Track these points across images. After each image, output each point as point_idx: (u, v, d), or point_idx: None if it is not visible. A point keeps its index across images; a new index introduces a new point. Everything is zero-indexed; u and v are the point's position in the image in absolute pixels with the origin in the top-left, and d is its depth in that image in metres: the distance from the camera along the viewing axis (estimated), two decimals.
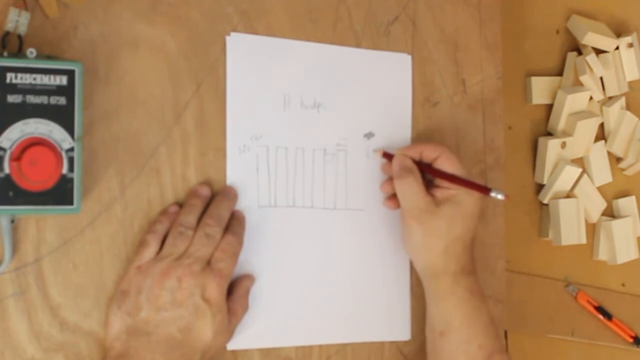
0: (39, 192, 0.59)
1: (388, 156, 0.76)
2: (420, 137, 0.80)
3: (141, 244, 0.66)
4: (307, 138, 0.74)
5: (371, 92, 0.78)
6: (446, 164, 0.74)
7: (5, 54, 0.59)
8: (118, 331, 0.64)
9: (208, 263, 0.66)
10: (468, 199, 0.74)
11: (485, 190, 0.74)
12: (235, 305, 0.68)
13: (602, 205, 0.94)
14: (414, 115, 0.80)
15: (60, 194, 0.60)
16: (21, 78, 0.58)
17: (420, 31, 0.81)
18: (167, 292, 0.64)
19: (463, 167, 0.75)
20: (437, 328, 0.74)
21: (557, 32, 0.94)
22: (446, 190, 0.74)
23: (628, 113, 0.96)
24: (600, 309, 0.94)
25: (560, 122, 0.91)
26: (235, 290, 0.69)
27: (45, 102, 0.59)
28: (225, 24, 0.71)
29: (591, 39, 0.92)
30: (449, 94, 0.82)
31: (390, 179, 0.76)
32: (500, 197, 0.74)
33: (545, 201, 0.91)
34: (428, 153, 0.75)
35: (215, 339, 0.65)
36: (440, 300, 0.74)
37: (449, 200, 0.74)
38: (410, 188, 0.73)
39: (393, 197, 0.77)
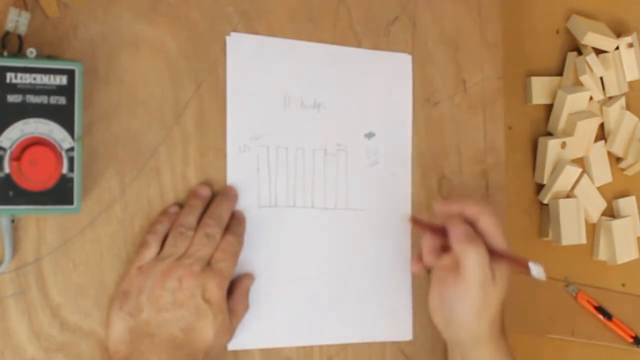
0: (39, 192, 0.59)
1: (419, 223, 0.75)
2: (420, 137, 0.80)
3: (142, 244, 0.66)
4: (307, 138, 0.74)
5: (371, 92, 0.78)
6: (487, 221, 0.72)
7: (5, 53, 0.59)
8: (120, 332, 0.64)
9: (208, 263, 0.66)
10: (508, 266, 0.73)
11: (523, 266, 0.71)
12: (236, 305, 0.68)
13: (602, 205, 0.95)
14: (414, 115, 0.80)
15: (60, 193, 0.60)
16: (21, 78, 0.58)
17: (420, 31, 0.81)
18: (168, 292, 0.64)
19: (502, 226, 0.73)
20: None
21: (557, 32, 0.95)
22: (498, 259, 0.72)
23: (628, 113, 0.96)
24: (600, 309, 0.95)
25: (560, 122, 0.91)
26: (236, 290, 0.69)
27: (45, 102, 0.59)
28: (225, 24, 0.71)
29: (591, 39, 0.92)
30: (449, 94, 0.82)
31: (432, 250, 0.74)
32: (539, 275, 0.71)
33: (545, 201, 0.91)
34: (470, 210, 0.73)
35: (216, 339, 0.65)
36: None
37: (502, 268, 0.72)
38: (481, 256, 0.70)
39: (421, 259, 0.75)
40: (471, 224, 0.72)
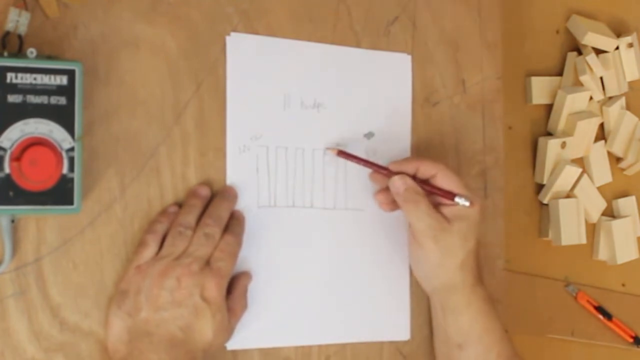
0: (39, 192, 0.59)
1: (345, 155, 0.74)
2: (420, 137, 0.80)
3: (140, 244, 0.66)
4: (307, 138, 0.74)
5: (371, 92, 0.78)
6: (445, 181, 0.74)
7: (5, 54, 0.59)
8: (119, 332, 0.64)
9: (207, 263, 0.66)
10: (473, 210, 0.74)
11: (450, 195, 0.74)
12: (234, 304, 0.68)
13: (602, 205, 0.95)
14: (414, 115, 0.80)
15: (60, 194, 0.60)
16: (21, 78, 0.58)
17: (420, 31, 0.81)
18: (167, 291, 0.64)
19: (463, 183, 0.74)
20: (454, 341, 0.75)
21: (557, 32, 0.95)
22: (452, 206, 0.74)
23: (628, 113, 0.96)
24: (600, 309, 0.95)
25: (560, 122, 0.91)
26: (234, 289, 0.69)
27: (46, 102, 0.59)
28: (225, 24, 0.71)
29: (591, 39, 0.92)
30: (449, 94, 0.82)
31: (385, 190, 0.75)
32: (464, 203, 0.73)
33: (545, 201, 0.91)
34: (425, 170, 0.74)
35: (215, 338, 0.65)
36: (457, 313, 0.75)
37: (458, 216, 0.73)
38: (421, 210, 0.72)
39: (390, 201, 0.76)
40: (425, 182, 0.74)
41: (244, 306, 0.70)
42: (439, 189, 0.74)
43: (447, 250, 0.73)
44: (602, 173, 0.95)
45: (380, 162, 0.76)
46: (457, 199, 0.73)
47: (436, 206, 0.74)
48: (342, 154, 0.74)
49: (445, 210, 0.74)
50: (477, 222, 0.75)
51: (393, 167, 0.75)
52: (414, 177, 0.74)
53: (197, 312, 0.64)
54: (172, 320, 0.63)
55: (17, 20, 0.60)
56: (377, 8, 0.78)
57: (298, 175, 0.74)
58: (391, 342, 0.78)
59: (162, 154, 0.68)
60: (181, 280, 0.64)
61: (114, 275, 0.65)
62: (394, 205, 0.76)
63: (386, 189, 0.75)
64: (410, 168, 0.75)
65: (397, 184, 0.73)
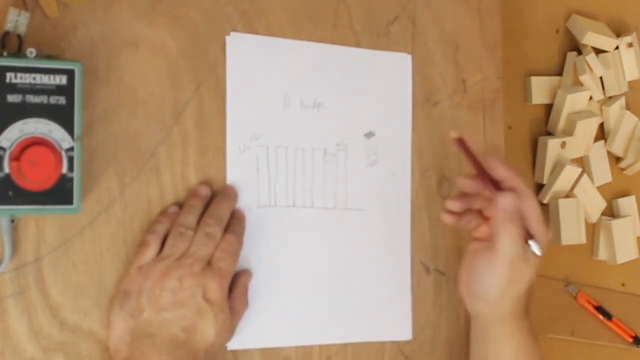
0: (39, 192, 0.59)
1: (464, 145, 0.72)
2: (420, 137, 0.80)
3: (141, 244, 0.66)
4: (307, 138, 0.74)
5: (371, 92, 0.78)
6: (531, 206, 0.71)
7: (5, 54, 0.59)
8: (122, 333, 0.64)
9: (209, 263, 0.66)
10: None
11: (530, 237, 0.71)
12: (236, 303, 0.68)
13: (602, 205, 0.95)
14: (414, 115, 0.80)
15: (60, 194, 0.60)
16: (21, 78, 0.58)
17: (420, 31, 0.81)
18: (169, 292, 0.64)
19: (541, 213, 0.72)
20: None
21: (557, 32, 0.95)
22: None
23: (628, 113, 0.96)
24: (600, 309, 0.95)
25: (560, 122, 0.91)
26: (235, 288, 0.69)
27: (45, 102, 0.59)
28: (225, 24, 0.71)
29: (591, 39, 0.92)
30: (449, 94, 0.82)
31: (466, 196, 0.73)
32: (535, 251, 0.71)
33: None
34: (516, 186, 0.71)
35: (218, 338, 0.65)
36: (501, 342, 0.73)
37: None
38: (518, 235, 0.69)
39: (457, 213, 0.73)
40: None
41: (246, 304, 0.70)
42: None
43: (517, 281, 0.70)
44: (602, 173, 0.95)
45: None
46: (530, 242, 0.70)
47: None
48: (462, 142, 0.72)
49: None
50: (542, 258, 0.72)
51: (490, 162, 0.72)
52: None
53: (199, 312, 0.64)
54: (175, 321, 0.63)
55: (17, 20, 0.60)
56: (377, 8, 0.78)
57: (298, 175, 0.74)
58: (393, 342, 0.78)
59: (162, 154, 0.68)
60: (183, 281, 0.64)
61: (114, 275, 0.65)
62: (459, 217, 0.73)
63: (470, 195, 0.73)
64: (503, 174, 0.72)
65: (509, 201, 0.69)
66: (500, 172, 0.72)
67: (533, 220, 0.71)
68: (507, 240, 0.69)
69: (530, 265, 0.70)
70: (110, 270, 0.65)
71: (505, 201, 0.69)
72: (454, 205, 0.73)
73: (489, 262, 0.71)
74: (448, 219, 0.73)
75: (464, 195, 0.74)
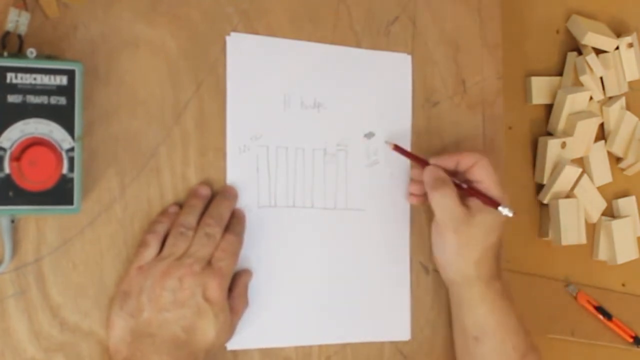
0: (39, 192, 0.59)
1: (400, 150, 0.77)
2: (420, 137, 0.80)
3: (141, 244, 0.66)
4: (307, 138, 0.74)
5: (371, 92, 0.78)
6: (481, 172, 0.75)
7: (5, 54, 0.59)
8: (121, 332, 0.64)
9: (209, 263, 0.66)
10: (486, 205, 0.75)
11: (494, 204, 0.75)
12: (236, 302, 0.68)
13: (602, 205, 0.95)
14: (414, 115, 0.80)
15: (60, 194, 0.60)
16: (21, 78, 0.58)
17: (420, 31, 0.81)
18: (169, 292, 0.64)
19: (497, 176, 0.76)
20: (471, 333, 0.76)
21: (557, 32, 0.95)
22: (477, 199, 0.75)
23: (628, 113, 0.96)
24: (600, 309, 0.95)
25: (560, 122, 0.91)
26: (234, 287, 0.69)
27: (46, 102, 0.59)
28: (225, 24, 0.71)
29: (591, 39, 0.92)
30: (449, 94, 0.82)
31: (418, 182, 0.77)
32: (507, 213, 0.75)
33: (545, 201, 0.91)
34: (465, 162, 0.76)
35: (218, 338, 0.65)
36: (473, 306, 0.76)
37: (483, 210, 0.75)
38: (446, 199, 0.74)
39: (420, 192, 0.77)
40: (465, 175, 0.76)
41: (245, 303, 0.70)
42: (482, 195, 0.75)
43: (466, 242, 0.74)
44: (602, 173, 0.95)
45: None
46: (500, 209, 0.74)
47: (463, 196, 0.75)
48: (398, 148, 0.77)
49: (471, 203, 0.75)
50: (502, 220, 0.75)
51: (433, 161, 0.77)
52: (455, 172, 0.76)
53: (199, 312, 0.64)
54: (175, 321, 0.63)
55: (17, 21, 0.60)
56: (377, 8, 0.78)
57: (298, 175, 0.74)
58: (392, 342, 0.78)
59: (162, 154, 0.68)
60: (183, 281, 0.64)
61: (114, 275, 0.65)
62: (422, 198, 0.77)
63: (420, 181, 0.77)
64: (450, 161, 0.76)
65: (428, 172, 0.75)
66: (437, 159, 0.77)
67: (490, 186, 0.75)
68: (436, 207, 0.74)
69: (477, 227, 0.74)
70: (110, 270, 0.65)
71: (425, 173, 0.75)
72: (414, 188, 0.78)
73: (436, 231, 0.77)
74: (412, 200, 0.78)
75: (419, 181, 0.78)
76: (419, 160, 0.77)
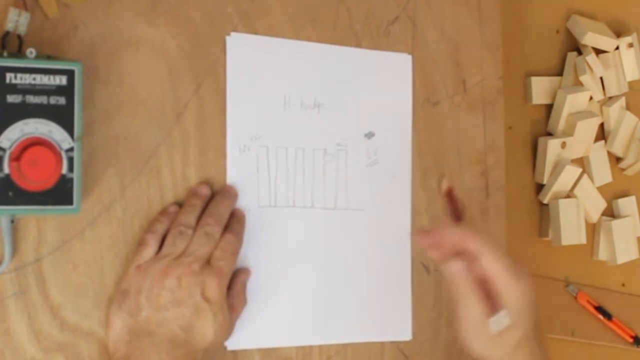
0: (38, 192, 0.59)
1: (450, 197, 0.76)
2: (420, 137, 0.80)
3: (140, 243, 0.66)
4: (307, 138, 0.74)
5: (371, 92, 0.78)
6: (492, 265, 0.65)
7: (5, 54, 0.59)
8: (120, 331, 0.64)
9: (208, 262, 0.66)
10: (521, 296, 0.65)
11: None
12: (234, 301, 0.68)
13: (602, 205, 0.95)
14: (414, 115, 0.80)
15: (60, 194, 0.60)
16: (21, 78, 0.58)
17: (420, 31, 0.81)
18: (168, 291, 0.64)
19: (511, 263, 0.65)
20: None
21: (557, 32, 0.95)
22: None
23: (628, 113, 0.96)
24: (600, 309, 0.95)
25: (560, 122, 0.91)
26: (233, 286, 0.69)
27: (45, 102, 0.59)
28: (225, 24, 0.71)
29: (591, 39, 0.92)
30: (449, 94, 0.82)
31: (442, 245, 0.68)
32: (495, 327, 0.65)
33: (545, 201, 0.91)
34: (471, 246, 0.66)
35: (216, 337, 0.65)
36: None
37: (505, 301, 0.65)
38: (471, 301, 0.65)
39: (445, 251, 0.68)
40: (471, 257, 0.66)
41: (244, 302, 0.70)
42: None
43: (497, 341, 0.65)
44: (602, 173, 0.95)
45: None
46: (490, 321, 0.64)
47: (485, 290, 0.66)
48: (449, 194, 0.77)
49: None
50: (528, 302, 0.65)
51: (424, 240, 0.69)
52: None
53: (198, 311, 0.64)
54: (174, 320, 0.63)
55: (17, 20, 0.60)
56: (377, 8, 0.78)
57: (298, 175, 0.74)
58: (392, 342, 0.78)
59: (162, 154, 0.68)
60: (182, 280, 0.64)
61: (114, 275, 0.65)
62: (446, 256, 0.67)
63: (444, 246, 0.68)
64: (451, 241, 0.67)
65: (455, 269, 0.65)
66: (449, 239, 0.67)
67: (496, 280, 0.65)
68: (460, 304, 0.66)
69: (505, 331, 0.65)
70: (110, 271, 0.65)
71: (451, 266, 0.66)
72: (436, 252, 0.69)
73: (464, 323, 0.67)
74: (432, 254, 0.69)
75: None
76: (455, 214, 0.76)
